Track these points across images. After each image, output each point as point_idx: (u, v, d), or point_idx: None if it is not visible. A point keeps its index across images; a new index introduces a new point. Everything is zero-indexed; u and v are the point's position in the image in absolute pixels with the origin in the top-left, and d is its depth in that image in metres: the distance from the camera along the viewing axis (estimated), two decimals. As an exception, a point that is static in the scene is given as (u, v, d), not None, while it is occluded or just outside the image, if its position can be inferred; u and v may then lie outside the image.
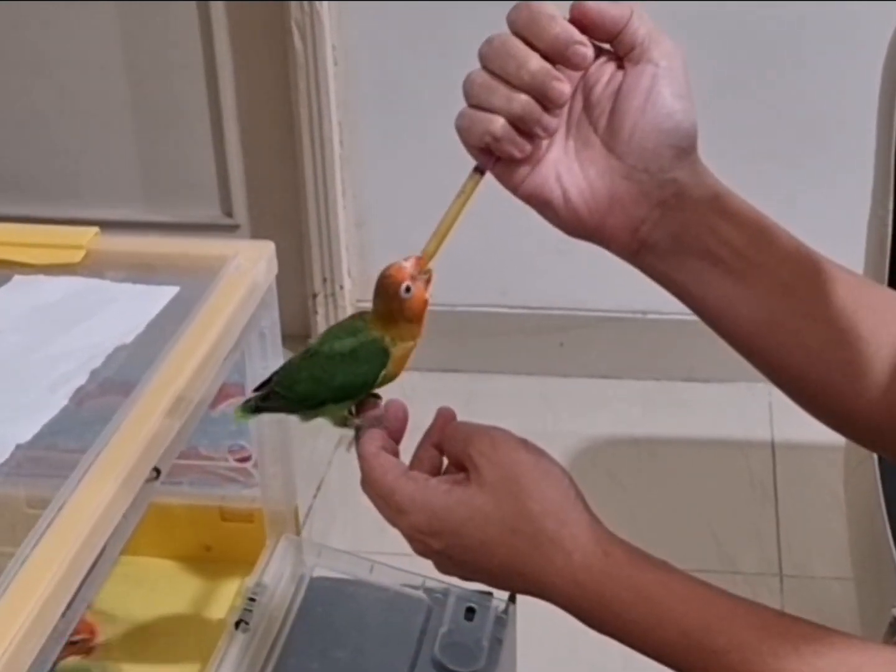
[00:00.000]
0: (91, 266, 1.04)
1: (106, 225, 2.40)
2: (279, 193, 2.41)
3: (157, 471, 0.83)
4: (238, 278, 1.00)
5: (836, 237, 2.21)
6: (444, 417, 0.82)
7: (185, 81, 2.35)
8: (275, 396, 0.84)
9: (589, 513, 0.78)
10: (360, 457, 0.80)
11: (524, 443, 0.79)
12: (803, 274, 0.81)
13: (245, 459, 1.17)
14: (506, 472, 0.76)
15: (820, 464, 2.17)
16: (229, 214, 2.45)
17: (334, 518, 2.08)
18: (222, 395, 1.02)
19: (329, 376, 0.81)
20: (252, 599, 1.06)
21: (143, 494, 0.82)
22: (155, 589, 1.20)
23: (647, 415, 2.34)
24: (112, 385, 0.90)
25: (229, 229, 2.44)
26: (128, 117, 2.40)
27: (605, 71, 0.78)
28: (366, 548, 1.99)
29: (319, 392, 0.82)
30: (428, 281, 0.81)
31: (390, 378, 0.82)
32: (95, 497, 0.78)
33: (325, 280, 2.40)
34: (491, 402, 2.36)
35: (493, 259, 2.36)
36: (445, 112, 2.30)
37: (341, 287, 2.40)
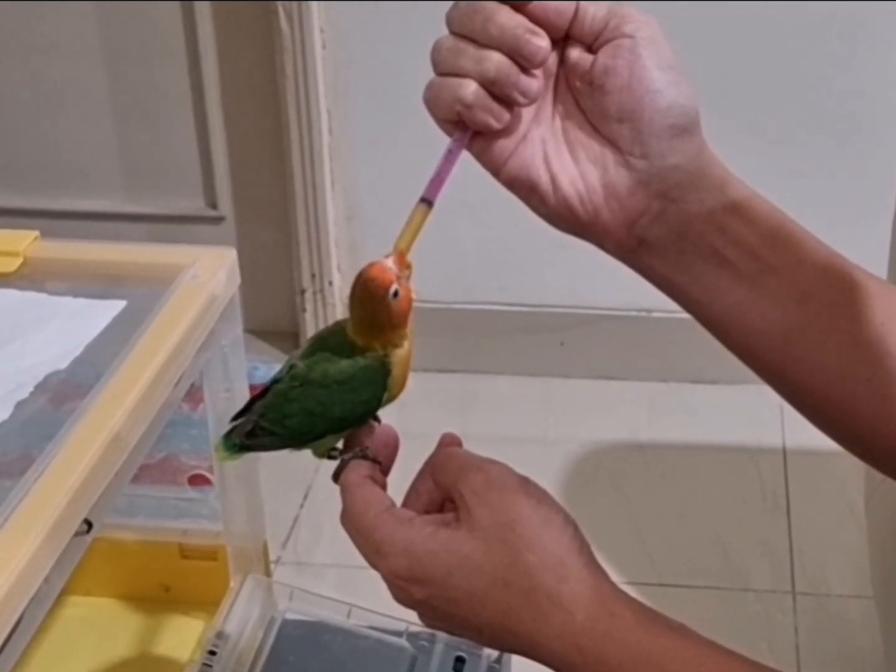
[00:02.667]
0: (28, 276, 0.93)
1: (84, 217, 2.38)
2: (265, 185, 2.36)
3: (89, 524, 0.72)
4: (194, 290, 0.89)
5: (856, 234, 2.15)
6: (447, 445, 0.73)
7: (166, 66, 2.29)
8: (262, 432, 0.74)
9: (594, 566, 0.69)
10: (342, 486, 0.72)
11: (524, 482, 0.69)
12: (826, 281, 0.71)
13: (203, 482, 1.06)
14: (500, 516, 0.67)
15: (834, 472, 2.10)
16: (213, 206, 2.40)
17: (322, 529, 2.00)
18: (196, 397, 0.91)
19: (326, 408, 0.72)
20: (212, 653, 0.95)
21: (71, 551, 0.71)
22: (108, 633, 1.10)
23: (652, 418, 2.28)
24: (39, 421, 0.78)
25: (213, 221, 2.39)
26: (106, 103, 2.34)
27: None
28: (356, 562, 1.93)
29: (316, 425, 0.73)
30: (408, 277, 0.74)
31: (392, 398, 0.74)
32: (12, 558, 0.67)
33: (313, 276, 2.34)
34: (488, 404, 2.31)
35: (491, 254, 2.30)
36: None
37: (330, 283, 2.34)
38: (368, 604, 1.09)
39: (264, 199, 2.37)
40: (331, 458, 0.74)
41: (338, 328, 0.74)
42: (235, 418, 0.75)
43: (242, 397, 0.96)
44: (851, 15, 2.04)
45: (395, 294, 0.72)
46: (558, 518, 0.69)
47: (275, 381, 0.74)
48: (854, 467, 2.06)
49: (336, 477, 0.74)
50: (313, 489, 2.10)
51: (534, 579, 0.66)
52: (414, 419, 2.38)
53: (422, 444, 2.27)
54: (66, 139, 2.37)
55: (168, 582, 1.13)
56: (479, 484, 0.68)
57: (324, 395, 0.72)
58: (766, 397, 2.23)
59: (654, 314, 2.28)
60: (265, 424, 0.73)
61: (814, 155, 2.16)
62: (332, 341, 0.73)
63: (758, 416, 2.24)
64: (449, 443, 0.74)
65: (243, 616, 1.02)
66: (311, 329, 2.35)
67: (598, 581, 0.68)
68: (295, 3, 2.11)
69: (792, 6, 2.04)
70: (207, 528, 1.09)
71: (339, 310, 2.34)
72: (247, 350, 2.49)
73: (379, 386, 0.72)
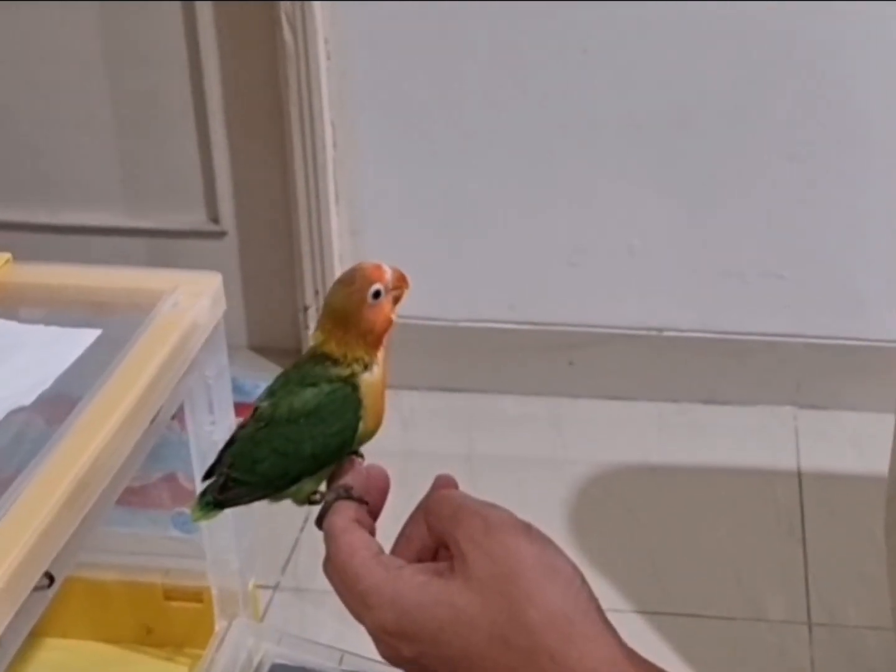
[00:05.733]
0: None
1: (82, 231, 2.33)
2: (268, 198, 2.32)
3: (51, 577, 0.66)
4: (174, 318, 0.83)
5: (873, 245, 2.09)
6: (441, 487, 0.67)
7: (167, 76, 2.25)
8: (235, 483, 0.69)
9: (604, 624, 0.63)
10: (325, 532, 0.67)
11: (527, 529, 0.64)
12: None
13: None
14: (500, 566, 0.62)
15: (851, 496, 2.06)
16: (215, 220, 2.36)
17: (322, 554, 1.92)
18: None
19: (297, 445, 0.67)
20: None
21: (30, 607, 0.65)
22: (88, 675, 1.03)
23: (663, 440, 2.23)
24: (-1, 464, 0.72)
25: (215, 236, 2.35)
26: (106, 114, 2.29)
27: None
28: None
29: (290, 467, 0.68)
30: (398, 300, 0.67)
31: (369, 433, 0.69)
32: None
33: (316, 292, 2.30)
34: (495, 424, 2.27)
35: (500, 271, 2.26)
36: (447, 111, 2.19)
37: None
38: (369, 638, 1.04)
39: (267, 213, 2.32)
40: (313, 503, 0.69)
41: (300, 360, 0.70)
42: (207, 475, 0.69)
43: (228, 430, 0.91)
44: (872, 31, 2.00)
45: (377, 295, 0.66)
46: (565, 569, 0.64)
47: (241, 426, 0.69)
48: (873, 492, 2.01)
49: (320, 521, 0.69)
50: (314, 512, 2.03)
51: (536, 637, 0.61)
52: (419, 439, 2.35)
53: (427, 464, 2.22)
54: (63, 150, 2.33)
55: (150, 624, 1.07)
56: (477, 530, 0.63)
57: (292, 431, 0.67)
58: (781, 419, 2.24)
59: (666, 333, 2.23)
60: (236, 475, 0.68)
61: (830, 170, 2.11)
62: (295, 373, 0.69)
63: (772, 438, 2.20)
64: (443, 485, 0.68)
65: (229, 661, 0.96)
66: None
67: (608, 641, 0.62)
68: (298, 12, 2.08)
69: (810, 23, 2.00)
70: (192, 568, 1.03)
71: (342, 327, 2.28)
72: (249, 368, 2.45)
73: (350, 414, 0.68)
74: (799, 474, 2.12)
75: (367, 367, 0.68)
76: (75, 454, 0.71)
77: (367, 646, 1.07)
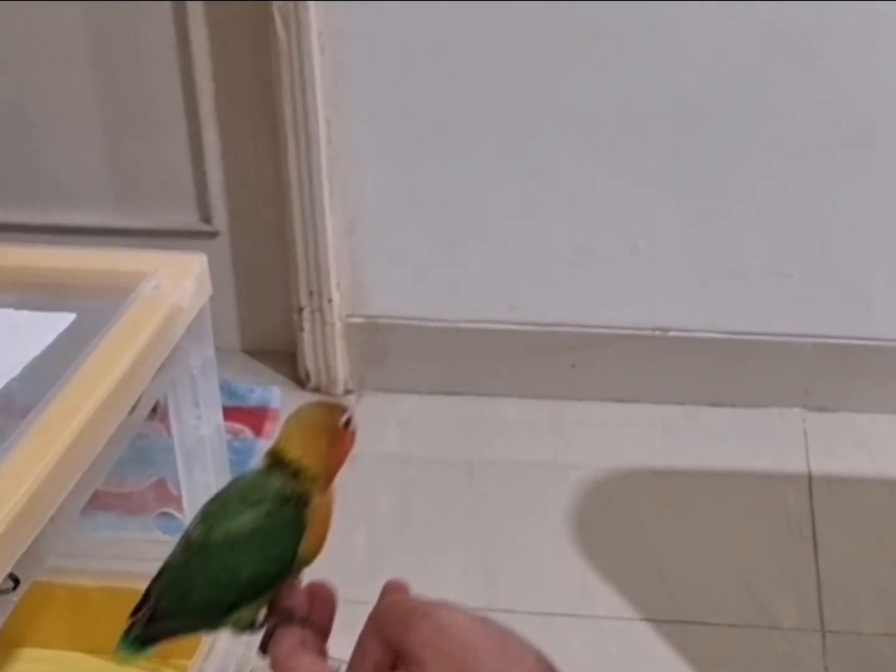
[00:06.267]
0: (-32, 286, 0.81)
1: (71, 231, 2.29)
2: (261, 197, 2.29)
3: (15, 580, 0.60)
4: (155, 301, 0.77)
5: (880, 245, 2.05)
6: (391, 593, 0.64)
7: (158, 74, 2.23)
8: (164, 615, 0.64)
9: None
10: (271, 659, 0.62)
11: (482, 622, 0.60)
12: None
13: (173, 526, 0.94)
14: (459, 666, 0.57)
15: (863, 499, 2.03)
16: (207, 220, 2.33)
17: (317, 562, 1.87)
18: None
19: (234, 572, 0.63)
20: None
21: (-8, 611, 0.59)
22: (68, 688, 0.97)
23: (668, 444, 2.19)
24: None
25: (207, 236, 2.32)
26: (96, 113, 2.27)
27: None
28: (355, 597, 1.83)
29: (225, 596, 0.63)
30: (353, 437, 0.66)
31: (307, 559, 0.66)
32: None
33: (311, 293, 2.26)
34: (495, 428, 2.24)
35: (500, 271, 2.23)
36: (445, 108, 2.15)
37: (329, 301, 2.26)
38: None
39: (260, 212, 2.30)
40: (253, 631, 0.64)
41: (232, 483, 0.65)
42: (137, 609, 0.64)
43: (216, 425, 0.85)
44: (879, 28, 1.96)
45: (348, 423, 0.65)
46: (526, 659, 0.59)
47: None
48: (884, 495, 1.97)
49: (264, 647, 0.63)
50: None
51: None
52: (418, 444, 2.31)
53: (426, 471, 2.16)
54: (54, 150, 2.30)
55: (134, 632, 1.01)
56: (429, 632, 0.59)
57: (229, 557, 0.63)
58: (789, 421, 2.19)
59: (671, 334, 2.21)
60: (166, 604, 0.62)
61: (838, 168, 2.08)
62: (235, 492, 0.65)
63: (780, 441, 2.17)
64: (392, 590, 0.64)
65: (219, 669, 0.90)
66: (308, 350, 2.27)
67: None
68: (291, 7, 2.05)
69: (817, 19, 1.98)
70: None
71: (337, 328, 2.26)
72: (242, 371, 2.40)
73: (291, 537, 0.64)
74: (809, 478, 2.08)
75: (321, 490, 0.66)
76: (43, 446, 0.65)
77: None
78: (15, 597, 0.61)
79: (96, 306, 0.77)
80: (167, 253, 0.84)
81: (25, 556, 0.61)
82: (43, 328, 0.75)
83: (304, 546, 0.64)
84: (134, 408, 0.72)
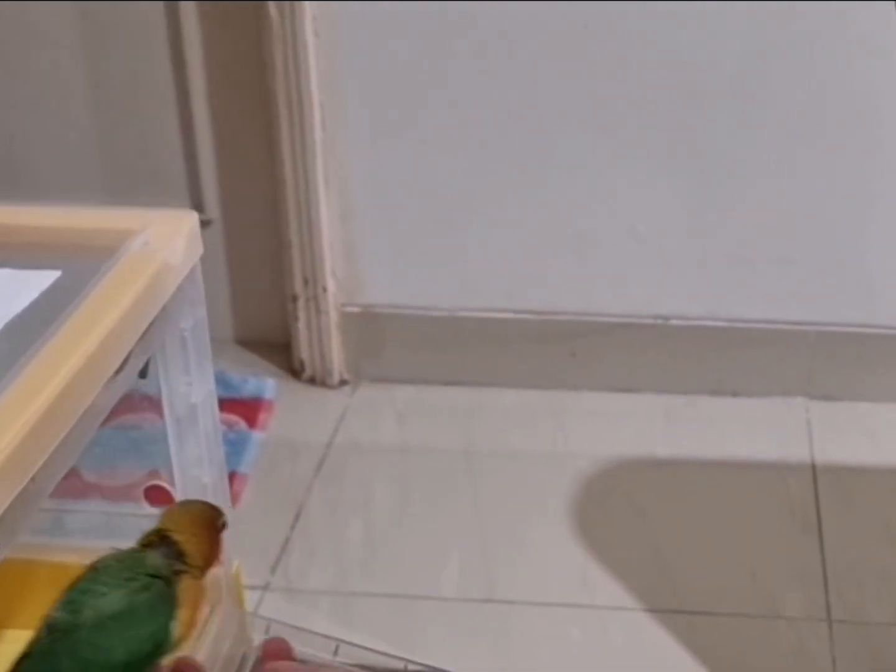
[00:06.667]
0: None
1: None
2: (255, 184, 2.27)
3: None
4: (144, 258, 0.74)
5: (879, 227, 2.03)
6: (271, 657, 0.63)
7: (148, 58, 2.20)
8: None
9: None
10: None
11: None
12: None
13: (161, 497, 0.90)
14: None
15: (866, 488, 2.01)
16: (200, 209, 2.29)
17: (314, 553, 1.88)
18: (125, 406, 0.76)
19: (105, 652, 0.60)
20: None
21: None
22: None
23: (669, 433, 2.17)
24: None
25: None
26: (84, 98, 2.24)
27: None
28: (352, 588, 1.80)
29: None
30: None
31: (183, 635, 0.63)
32: None
33: (306, 281, 2.23)
34: (494, 419, 2.22)
35: (498, 257, 2.21)
36: (442, 91, 2.12)
37: (324, 289, 2.23)
38: (366, 633, 0.95)
39: (253, 200, 2.28)
40: None
41: (99, 562, 0.65)
42: None
43: (207, 392, 0.82)
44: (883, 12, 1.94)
45: (224, 526, 0.68)
46: None
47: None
48: (889, 484, 1.94)
49: None
50: (305, 510, 1.98)
51: None
52: (415, 435, 2.28)
53: (424, 462, 2.13)
54: (41, 138, 2.27)
55: (123, 613, 0.97)
56: None
57: (99, 636, 0.60)
58: (792, 410, 2.17)
59: (672, 322, 2.19)
60: None
61: (842, 153, 2.06)
62: (101, 572, 0.64)
63: (783, 430, 2.15)
64: (273, 654, 0.63)
65: (211, 654, 0.87)
66: (303, 340, 2.24)
67: None
68: (285, -11, 2.04)
69: (821, 3, 1.97)
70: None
71: (332, 317, 2.24)
72: (236, 362, 2.37)
73: (165, 614, 0.62)
74: (813, 467, 2.06)
75: (195, 577, 0.66)
76: (24, 403, 0.61)
77: (364, 639, 0.98)
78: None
79: (82, 264, 0.74)
80: (157, 210, 0.81)
81: (4, 518, 0.58)
82: (26, 285, 0.72)
83: (176, 626, 0.61)
84: (122, 367, 0.68)
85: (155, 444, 1.64)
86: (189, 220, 0.81)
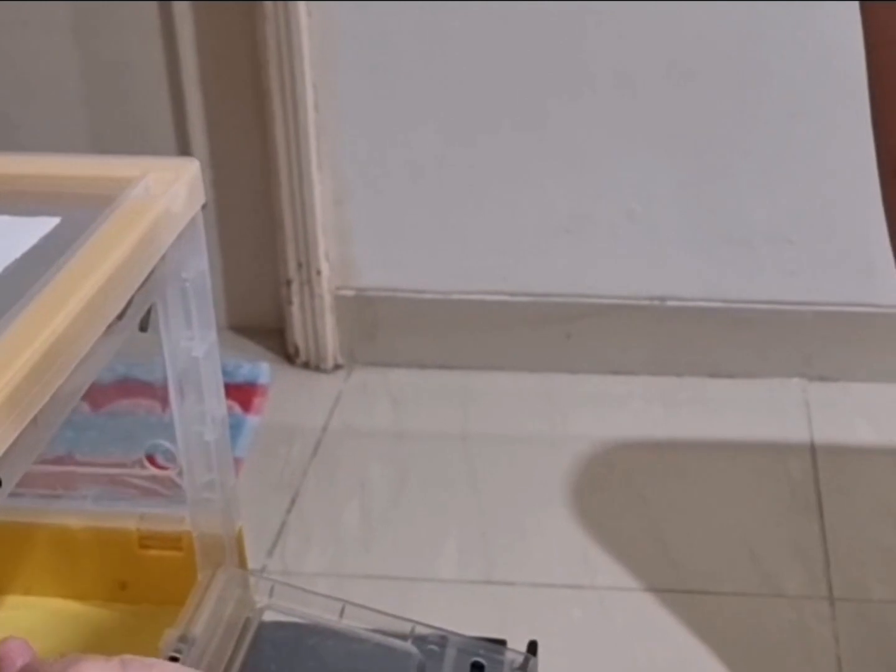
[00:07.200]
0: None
1: None
2: (247, 167, 2.25)
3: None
4: (144, 204, 0.72)
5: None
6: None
7: (139, 39, 2.19)
8: None
9: None
10: None
11: None
12: None
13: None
14: None
15: (866, 468, 2.01)
16: None
17: (311, 537, 1.87)
18: (121, 390, 0.74)
19: None
20: (174, 659, 0.78)
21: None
22: (53, 639, 0.92)
23: (667, 415, 2.16)
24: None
25: None
26: (73, 80, 2.24)
27: None
28: (349, 570, 1.79)
29: None
30: None
31: None
32: None
33: (299, 265, 2.22)
34: (489, 402, 2.20)
35: (492, 239, 2.20)
36: (438, 73, 2.10)
37: (318, 273, 2.22)
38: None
39: (246, 182, 2.26)
40: None
41: None
42: None
43: (209, 345, 0.80)
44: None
45: None
46: None
47: None
48: (888, 464, 1.93)
49: None
50: (301, 493, 1.96)
51: None
52: (411, 419, 2.27)
53: (420, 446, 2.11)
54: (30, 121, 2.26)
55: (124, 577, 0.96)
56: None
57: None
58: (790, 391, 2.16)
59: (669, 303, 2.18)
60: None
61: (840, 129, 2.05)
62: None
63: (782, 411, 2.14)
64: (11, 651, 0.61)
65: (213, 616, 0.85)
66: (297, 324, 2.23)
67: None
68: (277, -32, 2.02)
69: None
70: (170, 512, 0.92)
71: (327, 302, 2.22)
72: (229, 348, 2.35)
73: None
74: (812, 448, 2.05)
75: None
76: (24, 343, 0.59)
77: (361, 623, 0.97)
78: (-1, 498, 0.56)
79: (82, 210, 0.72)
80: (156, 158, 0.79)
81: (6, 457, 0.56)
82: (24, 232, 0.70)
83: None
84: (123, 313, 0.67)
85: (149, 430, 1.62)
86: (191, 167, 0.79)
